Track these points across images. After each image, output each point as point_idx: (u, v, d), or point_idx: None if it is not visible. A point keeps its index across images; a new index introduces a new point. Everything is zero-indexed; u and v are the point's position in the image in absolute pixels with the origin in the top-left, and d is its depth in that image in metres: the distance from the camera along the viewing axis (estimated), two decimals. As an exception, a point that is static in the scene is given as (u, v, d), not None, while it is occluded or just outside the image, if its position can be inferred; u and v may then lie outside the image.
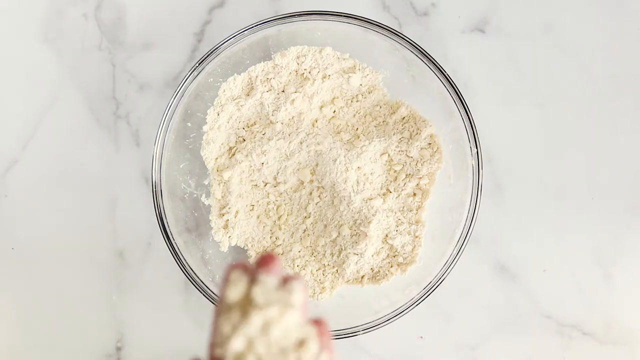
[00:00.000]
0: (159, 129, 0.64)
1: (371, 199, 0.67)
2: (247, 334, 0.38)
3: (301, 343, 0.39)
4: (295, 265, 0.67)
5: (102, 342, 0.69)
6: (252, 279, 0.39)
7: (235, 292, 0.39)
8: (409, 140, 0.68)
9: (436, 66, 0.64)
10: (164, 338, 0.69)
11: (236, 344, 0.38)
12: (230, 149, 0.68)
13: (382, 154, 0.68)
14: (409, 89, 0.68)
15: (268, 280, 0.39)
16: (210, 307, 0.68)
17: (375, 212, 0.66)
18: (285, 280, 0.40)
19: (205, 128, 0.67)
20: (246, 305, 0.39)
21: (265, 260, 0.40)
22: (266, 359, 0.38)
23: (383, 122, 0.69)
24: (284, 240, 0.68)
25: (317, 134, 0.68)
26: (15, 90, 0.71)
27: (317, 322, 0.40)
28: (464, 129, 0.64)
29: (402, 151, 0.68)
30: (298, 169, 0.68)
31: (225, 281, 0.40)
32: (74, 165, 0.70)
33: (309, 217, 0.68)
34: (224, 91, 0.67)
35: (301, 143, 0.68)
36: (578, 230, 0.70)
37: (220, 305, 0.39)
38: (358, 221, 0.67)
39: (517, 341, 0.70)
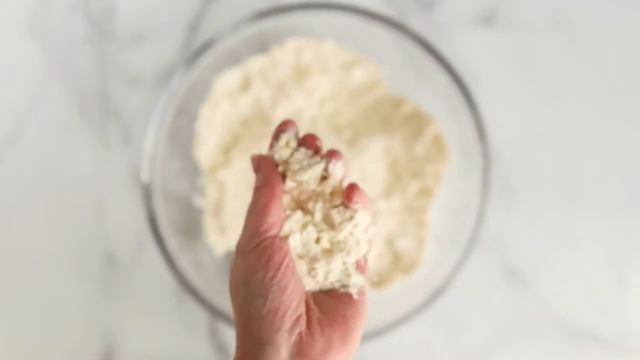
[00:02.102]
0: (151, 126, 0.63)
1: (373, 200, 0.66)
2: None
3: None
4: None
5: (91, 351, 0.69)
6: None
7: (284, 153, 0.42)
8: (413, 138, 0.67)
9: (442, 60, 0.64)
10: (156, 346, 0.69)
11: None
12: (226, 147, 0.68)
13: (385, 152, 0.67)
14: (413, 84, 0.68)
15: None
16: (204, 314, 0.68)
17: (378, 214, 0.66)
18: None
19: (199, 125, 0.67)
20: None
21: (306, 139, 0.42)
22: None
23: (386, 119, 0.68)
24: (282, 243, 0.68)
25: (316, 132, 0.67)
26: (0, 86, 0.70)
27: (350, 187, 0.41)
28: (471, 126, 0.64)
29: (406, 149, 0.67)
30: (297, 168, 0.67)
31: (274, 139, 0.42)
32: (61, 165, 0.69)
33: (308, 218, 0.68)
34: (219, 86, 0.67)
35: (300, 141, 0.67)
36: (592, 233, 0.70)
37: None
38: (360, 223, 0.66)
39: (528, 349, 0.69)
